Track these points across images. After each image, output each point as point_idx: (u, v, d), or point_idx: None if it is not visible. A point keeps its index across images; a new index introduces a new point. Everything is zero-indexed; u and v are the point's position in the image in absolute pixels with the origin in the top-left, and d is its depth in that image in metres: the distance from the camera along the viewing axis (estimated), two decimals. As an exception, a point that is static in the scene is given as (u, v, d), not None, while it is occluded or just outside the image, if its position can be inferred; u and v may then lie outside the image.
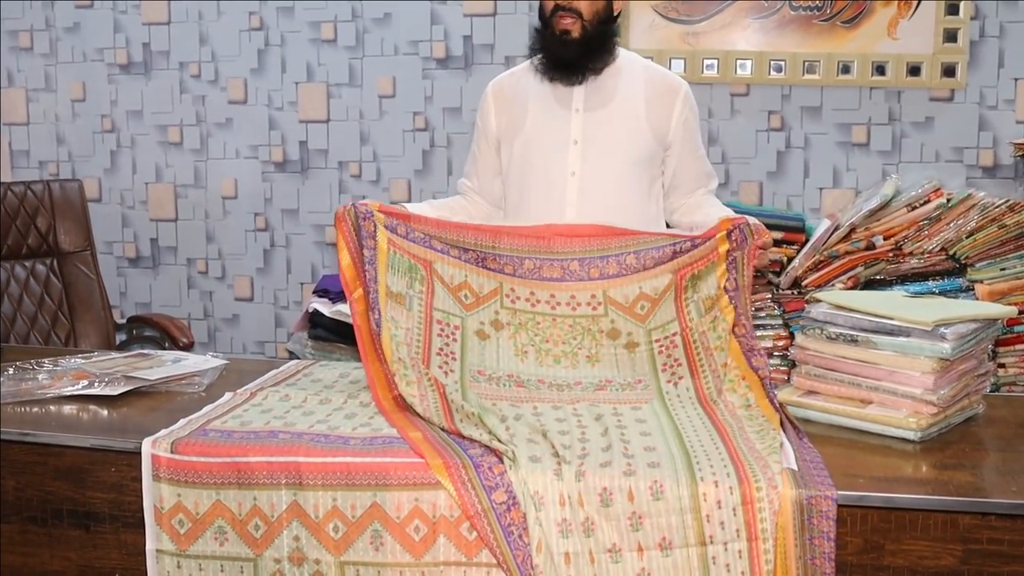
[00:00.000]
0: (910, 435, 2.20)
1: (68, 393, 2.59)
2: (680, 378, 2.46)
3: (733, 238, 2.44)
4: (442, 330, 2.55)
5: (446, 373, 2.49)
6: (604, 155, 2.79)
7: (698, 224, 2.73)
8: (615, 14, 2.84)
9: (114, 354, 2.95)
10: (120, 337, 4.25)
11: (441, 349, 2.52)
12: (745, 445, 2.13)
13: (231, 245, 4.71)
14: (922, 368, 2.22)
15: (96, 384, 2.61)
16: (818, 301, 2.46)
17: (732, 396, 2.36)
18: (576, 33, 2.75)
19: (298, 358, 4.21)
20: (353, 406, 2.47)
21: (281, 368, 2.84)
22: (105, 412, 2.51)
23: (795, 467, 2.03)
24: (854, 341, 2.31)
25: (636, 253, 2.53)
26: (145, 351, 2.99)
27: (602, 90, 2.85)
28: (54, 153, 4.81)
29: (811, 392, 2.39)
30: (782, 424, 2.27)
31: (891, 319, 2.28)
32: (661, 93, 2.84)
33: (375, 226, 2.53)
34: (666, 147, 2.88)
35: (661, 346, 2.51)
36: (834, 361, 2.35)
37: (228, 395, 2.56)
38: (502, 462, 2.09)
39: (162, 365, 2.79)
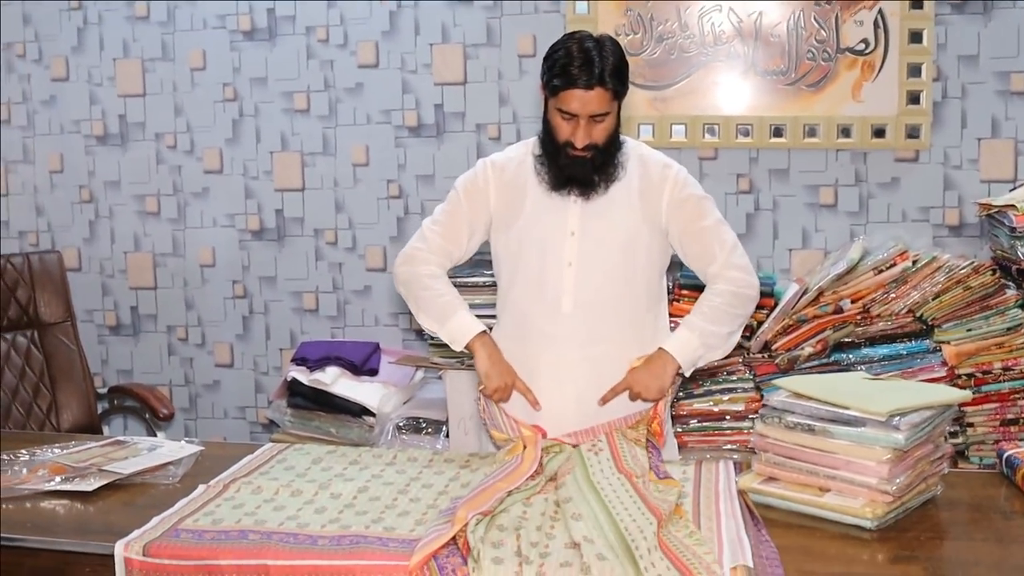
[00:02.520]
0: (866, 523, 2.25)
1: (44, 489, 2.62)
2: (600, 451, 2.57)
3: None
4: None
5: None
6: (600, 246, 2.77)
7: None
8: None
9: (90, 443, 2.98)
10: (102, 406, 4.29)
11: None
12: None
13: (210, 312, 4.75)
14: (877, 458, 2.26)
15: (71, 479, 2.64)
16: (777, 388, 2.51)
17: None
18: (589, 157, 2.70)
19: (278, 426, 4.26)
20: (324, 498, 2.51)
21: (255, 454, 2.87)
22: (80, 507, 2.54)
23: (751, 564, 2.07)
24: (811, 430, 2.36)
25: None
26: (121, 439, 3.01)
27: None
28: (33, 223, 4.86)
29: (771, 479, 2.43)
30: (742, 513, 2.32)
31: (847, 409, 2.32)
32: (652, 182, 2.81)
33: None
34: (664, 232, 2.85)
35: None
36: (793, 449, 2.39)
37: (201, 488, 2.59)
38: (466, 564, 2.13)
39: (137, 455, 2.82)
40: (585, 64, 2.59)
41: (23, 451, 2.86)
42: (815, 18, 4.07)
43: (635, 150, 2.86)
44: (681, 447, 3.50)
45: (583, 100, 2.61)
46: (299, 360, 4.25)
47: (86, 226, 4.81)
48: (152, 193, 4.73)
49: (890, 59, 4.05)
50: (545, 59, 2.69)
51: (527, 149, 2.90)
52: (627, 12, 4.17)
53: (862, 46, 4.06)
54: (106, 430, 4.25)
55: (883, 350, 3.68)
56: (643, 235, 2.81)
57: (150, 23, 4.62)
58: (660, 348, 2.77)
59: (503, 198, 2.87)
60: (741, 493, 2.45)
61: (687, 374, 2.80)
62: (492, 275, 3.03)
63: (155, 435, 3.90)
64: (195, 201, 4.69)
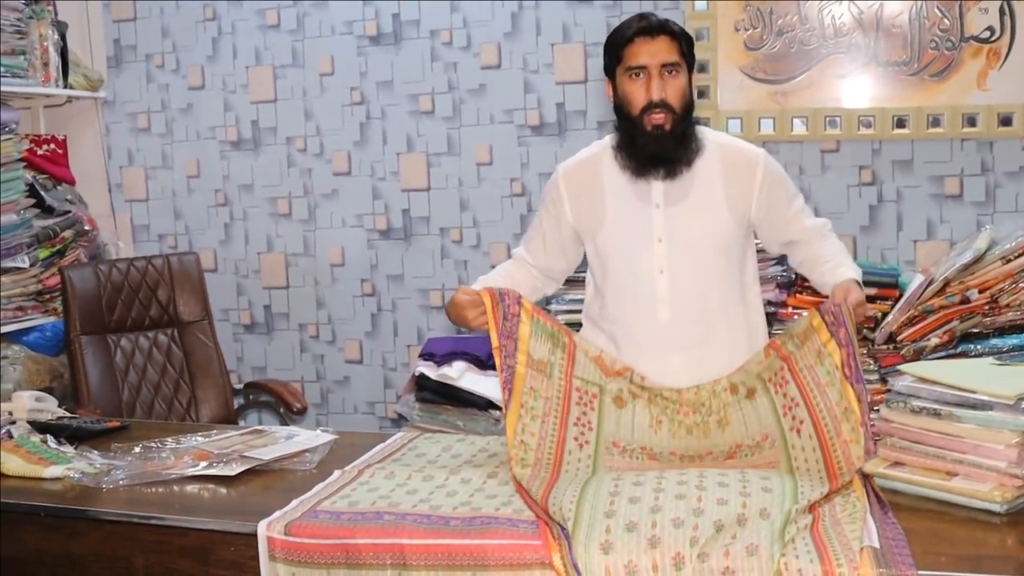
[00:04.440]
0: (995, 507, 2.24)
1: (190, 473, 2.75)
2: (800, 422, 2.52)
3: (827, 320, 2.54)
4: (580, 398, 2.64)
5: (581, 445, 2.58)
6: (690, 250, 2.77)
7: (820, 284, 2.88)
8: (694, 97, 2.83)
9: (231, 431, 3.11)
10: (238, 401, 4.45)
11: (579, 418, 2.62)
12: (830, 519, 2.20)
13: (340, 310, 4.90)
14: (1005, 441, 2.25)
15: (215, 465, 2.77)
16: (903, 373, 2.51)
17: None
18: (669, 126, 2.70)
19: (407, 420, 4.36)
20: (455, 483, 2.58)
21: (387, 442, 2.97)
22: (224, 491, 2.66)
23: (877, 545, 2.08)
24: (937, 414, 2.35)
25: None
26: (260, 428, 3.13)
27: (680, 181, 2.78)
28: (172, 227, 5.07)
29: (897, 464, 2.43)
30: (868, 497, 2.33)
31: (974, 392, 2.32)
32: (738, 171, 2.80)
33: (519, 304, 2.67)
34: (750, 222, 2.85)
35: (775, 385, 2.60)
36: (919, 434, 2.39)
37: (337, 473, 2.68)
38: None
39: (275, 443, 2.93)
40: (644, 18, 2.73)
41: (169, 439, 3.00)
42: (938, 7, 4.03)
43: (713, 138, 2.86)
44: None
45: (651, 49, 2.68)
46: (426, 356, 4.34)
47: (221, 228, 5.01)
48: (284, 195, 4.90)
49: (1017, 46, 3.98)
50: (606, 42, 2.79)
51: (601, 147, 2.92)
52: (747, 8, 4.19)
53: (987, 34, 4.00)
54: (241, 424, 4.42)
55: (1012, 340, 3.62)
56: (731, 228, 2.82)
57: (280, 31, 4.79)
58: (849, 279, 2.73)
59: (580, 206, 2.89)
60: (867, 477, 2.45)
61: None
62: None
63: (289, 428, 4.05)
64: (325, 202, 4.84)
